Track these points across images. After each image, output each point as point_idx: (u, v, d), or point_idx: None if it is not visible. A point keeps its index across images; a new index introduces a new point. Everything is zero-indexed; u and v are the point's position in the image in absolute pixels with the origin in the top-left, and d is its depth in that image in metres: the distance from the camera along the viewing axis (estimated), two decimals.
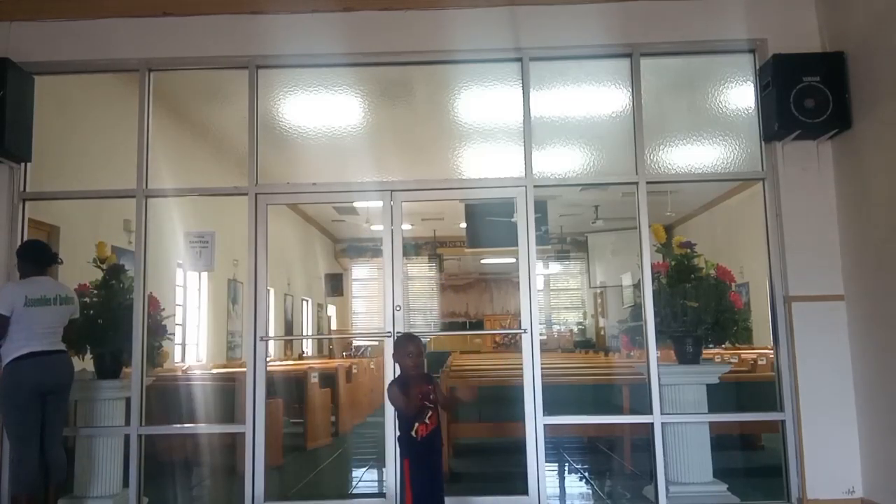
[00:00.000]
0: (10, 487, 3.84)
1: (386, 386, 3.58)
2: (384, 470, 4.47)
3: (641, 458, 4.70)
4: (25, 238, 4.65)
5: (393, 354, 3.49)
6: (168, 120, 5.11)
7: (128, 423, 4.45)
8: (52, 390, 3.86)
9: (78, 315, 4.14)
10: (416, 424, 3.26)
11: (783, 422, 4.36)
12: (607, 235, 12.69)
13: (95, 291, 4.56)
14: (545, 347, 12.03)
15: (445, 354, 10.70)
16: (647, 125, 4.59)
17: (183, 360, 8.12)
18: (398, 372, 3.52)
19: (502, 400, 4.99)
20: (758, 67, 4.56)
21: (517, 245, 4.57)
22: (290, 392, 6.67)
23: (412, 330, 11.93)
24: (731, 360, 6.72)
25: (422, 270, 15.73)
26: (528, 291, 4.49)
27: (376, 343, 12.82)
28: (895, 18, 3.81)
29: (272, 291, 9.64)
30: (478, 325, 16.00)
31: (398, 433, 3.38)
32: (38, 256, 3.99)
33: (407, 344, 3.37)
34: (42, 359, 3.80)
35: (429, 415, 3.28)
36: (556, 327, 16.36)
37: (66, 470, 4.00)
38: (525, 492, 4.35)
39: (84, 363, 4.54)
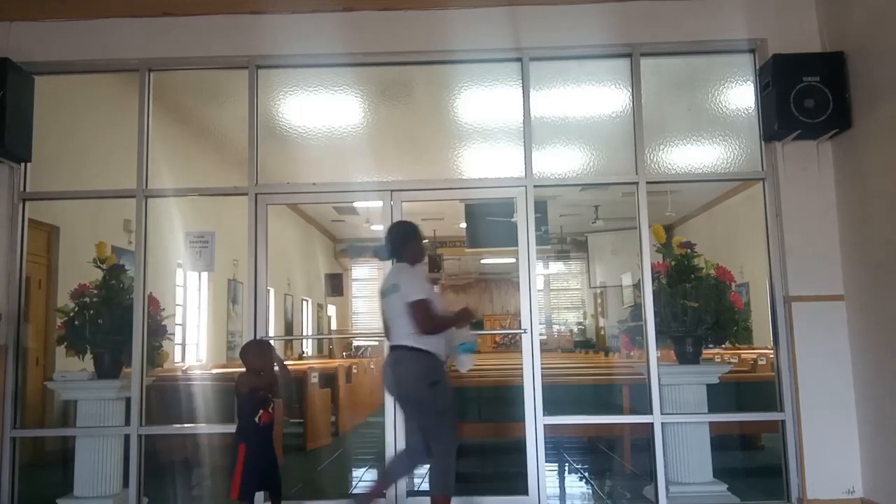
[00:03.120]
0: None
1: None
2: None
3: (641, 458, 4.70)
4: (26, 238, 4.66)
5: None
6: (168, 120, 5.11)
7: (128, 423, 4.45)
8: (393, 392, 3.57)
9: (411, 299, 3.41)
10: (261, 410, 3.58)
11: (783, 422, 4.36)
12: (607, 235, 12.71)
13: (95, 291, 4.56)
14: (545, 347, 12.04)
15: None
16: (647, 125, 4.59)
17: (183, 360, 8.12)
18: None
19: (502, 400, 4.99)
20: (758, 67, 4.56)
21: (517, 245, 4.57)
22: (290, 392, 6.67)
23: None
24: (731, 360, 6.72)
25: None
26: (528, 291, 4.49)
27: (376, 343, 12.83)
28: (895, 18, 3.81)
29: (272, 291, 9.64)
30: (478, 325, 15.99)
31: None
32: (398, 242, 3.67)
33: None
34: (389, 356, 3.55)
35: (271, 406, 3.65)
36: (556, 327, 16.37)
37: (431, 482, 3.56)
38: (525, 492, 4.35)
39: (84, 363, 4.53)
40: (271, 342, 4.16)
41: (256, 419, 3.55)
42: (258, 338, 4.39)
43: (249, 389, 3.57)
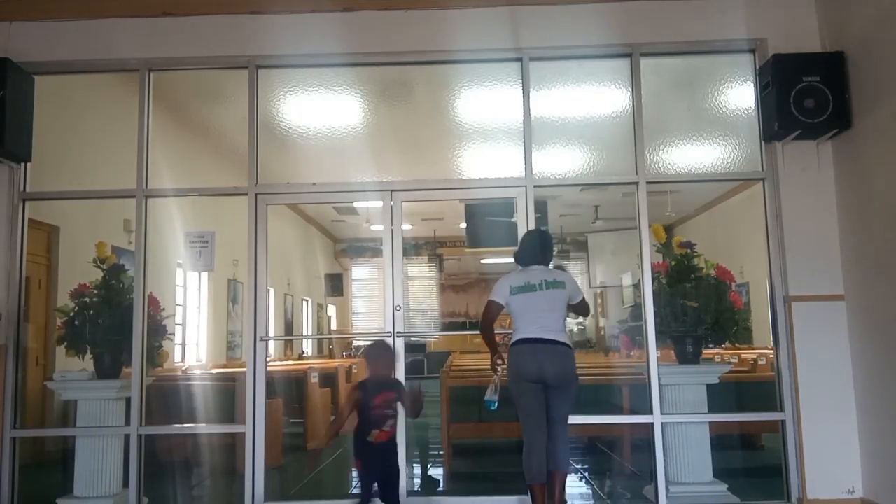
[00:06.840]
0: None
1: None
2: None
3: (641, 458, 4.70)
4: (26, 238, 4.66)
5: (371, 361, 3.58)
6: (168, 120, 5.11)
7: (128, 423, 4.46)
8: (544, 380, 3.72)
9: (581, 296, 3.89)
10: (375, 431, 3.41)
11: (783, 422, 4.36)
12: (607, 235, 12.68)
13: (95, 291, 4.56)
14: None
15: (445, 354, 10.71)
16: (647, 125, 4.60)
17: (183, 360, 8.12)
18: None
19: (502, 400, 4.98)
20: (758, 67, 4.56)
21: (517, 245, 4.56)
22: (290, 392, 6.66)
23: (413, 330, 11.94)
24: (731, 360, 6.71)
25: (422, 270, 15.72)
26: None
27: None
28: (895, 18, 3.81)
29: (272, 291, 9.64)
30: (478, 325, 15.97)
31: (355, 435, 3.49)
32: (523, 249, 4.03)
33: (384, 353, 3.59)
34: (532, 346, 3.75)
35: (389, 423, 3.44)
36: None
37: (565, 462, 3.79)
38: (525, 492, 4.34)
39: (84, 363, 4.53)
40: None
41: (370, 438, 3.38)
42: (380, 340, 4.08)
43: (377, 403, 3.39)
